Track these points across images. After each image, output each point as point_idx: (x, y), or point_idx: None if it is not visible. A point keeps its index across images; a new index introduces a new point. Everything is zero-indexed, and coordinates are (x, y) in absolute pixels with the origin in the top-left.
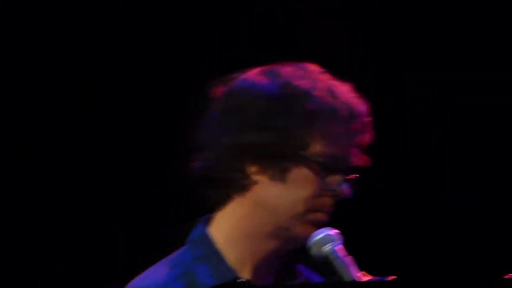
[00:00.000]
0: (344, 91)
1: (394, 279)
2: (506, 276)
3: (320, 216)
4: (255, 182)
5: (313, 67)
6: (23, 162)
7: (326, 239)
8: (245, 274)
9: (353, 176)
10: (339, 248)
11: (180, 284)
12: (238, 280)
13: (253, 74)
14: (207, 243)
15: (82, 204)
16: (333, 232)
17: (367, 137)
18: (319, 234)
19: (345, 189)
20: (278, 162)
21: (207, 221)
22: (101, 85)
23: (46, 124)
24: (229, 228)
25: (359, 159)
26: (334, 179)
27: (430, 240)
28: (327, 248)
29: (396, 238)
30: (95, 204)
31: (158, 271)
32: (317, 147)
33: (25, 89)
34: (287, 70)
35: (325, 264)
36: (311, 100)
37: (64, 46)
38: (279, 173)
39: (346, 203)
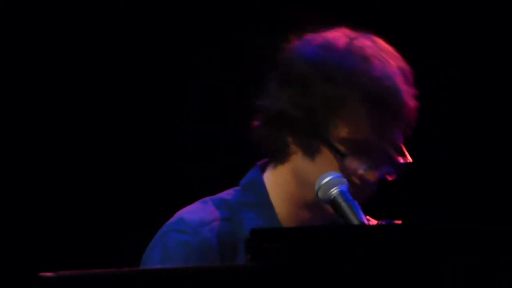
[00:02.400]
0: (389, 76)
1: (401, 223)
2: None
3: None
4: (293, 153)
5: (368, 42)
6: (22, 162)
7: (333, 182)
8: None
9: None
10: (346, 191)
11: (227, 225)
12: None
13: (312, 44)
14: (261, 191)
15: (79, 204)
16: (339, 174)
17: (400, 127)
18: (325, 177)
19: (371, 174)
20: (308, 139)
21: (262, 168)
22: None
23: (42, 123)
24: (279, 187)
25: (391, 149)
26: (356, 164)
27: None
28: (334, 191)
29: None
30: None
31: (206, 209)
32: (342, 132)
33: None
34: (339, 46)
35: (333, 207)
36: (339, 84)
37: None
38: (308, 150)
39: None
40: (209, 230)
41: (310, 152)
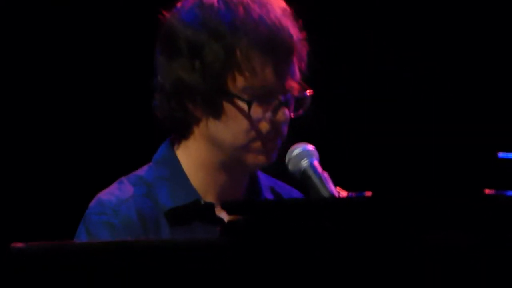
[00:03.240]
0: (269, 15)
1: (372, 195)
2: (485, 191)
3: (266, 144)
4: (198, 119)
5: None
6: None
7: (303, 155)
8: (209, 198)
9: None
10: (316, 163)
11: (144, 200)
12: (202, 202)
13: (186, 8)
14: (173, 164)
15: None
16: (309, 147)
17: (294, 62)
18: (295, 149)
19: (281, 115)
20: (208, 99)
21: (173, 142)
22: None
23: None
24: (190, 156)
25: (290, 86)
26: (265, 109)
27: (405, 157)
28: (304, 163)
29: (369, 153)
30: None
31: (122, 188)
32: (240, 82)
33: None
34: (212, 2)
35: (302, 179)
36: (225, 37)
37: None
38: (213, 110)
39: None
40: (127, 208)
41: (216, 113)
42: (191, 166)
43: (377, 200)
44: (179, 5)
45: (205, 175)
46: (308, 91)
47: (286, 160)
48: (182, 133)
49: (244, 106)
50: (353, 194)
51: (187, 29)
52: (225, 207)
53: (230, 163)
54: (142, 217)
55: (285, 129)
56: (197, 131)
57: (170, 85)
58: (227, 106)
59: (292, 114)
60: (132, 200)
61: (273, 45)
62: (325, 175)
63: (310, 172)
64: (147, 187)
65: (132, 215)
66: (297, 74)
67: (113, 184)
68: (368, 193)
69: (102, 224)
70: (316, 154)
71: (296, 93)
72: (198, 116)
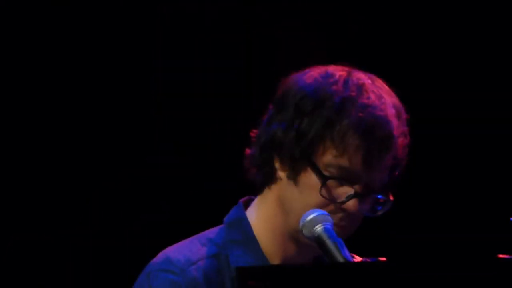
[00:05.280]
0: (375, 105)
1: (386, 260)
2: (499, 256)
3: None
4: (279, 178)
5: (345, 73)
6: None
7: (317, 219)
8: (276, 262)
9: (364, 192)
10: (330, 228)
11: (213, 263)
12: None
13: (310, 75)
14: (244, 228)
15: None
16: (323, 212)
17: (387, 159)
18: (310, 214)
19: (351, 204)
20: (293, 162)
21: (245, 204)
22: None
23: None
24: (262, 218)
25: (373, 180)
26: (342, 192)
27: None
28: (318, 228)
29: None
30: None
31: (191, 247)
32: (328, 157)
33: None
34: (336, 76)
35: (317, 244)
36: (331, 109)
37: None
38: (293, 174)
39: None
40: (196, 269)
41: (295, 175)
42: (263, 231)
43: (390, 266)
44: (307, 69)
45: (276, 242)
46: (391, 196)
47: (300, 225)
48: (262, 190)
49: (320, 180)
50: (368, 259)
51: (299, 90)
52: (240, 273)
53: (298, 235)
54: (208, 280)
55: (353, 222)
56: (274, 190)
57: (266, 138)
58: (307, 175)
59: (368, 211)
60: (201, 263)
61: (372, 135)
62: (340, 240)
63: (325, 237)
64: (217, 249)
65: (199, 278)
66: (386, 174)
67: (181, 242)
68: (382, 259)
69: (168, 282)
70: (330, 219)
71: (376, 190)
72: (279, 175)
